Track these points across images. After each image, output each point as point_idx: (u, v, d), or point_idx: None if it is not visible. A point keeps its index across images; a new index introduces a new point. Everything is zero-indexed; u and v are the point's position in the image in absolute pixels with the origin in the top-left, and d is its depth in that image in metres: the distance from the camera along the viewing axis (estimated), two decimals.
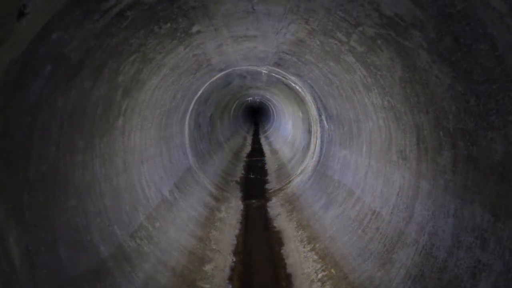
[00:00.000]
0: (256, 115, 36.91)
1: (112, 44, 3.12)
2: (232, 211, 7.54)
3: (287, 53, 5.90)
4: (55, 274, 2.60)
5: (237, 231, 6.50)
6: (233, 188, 9.51)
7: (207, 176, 8.99)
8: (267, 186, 10.17)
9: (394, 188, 3.96)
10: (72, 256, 2.87)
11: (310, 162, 8.92)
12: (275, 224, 6.86)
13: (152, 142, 5.81)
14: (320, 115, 7.97)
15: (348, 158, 5.94)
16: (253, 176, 11.71)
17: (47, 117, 2.60)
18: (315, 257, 4.90)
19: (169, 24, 3.71)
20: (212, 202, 7.50)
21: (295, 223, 6.48)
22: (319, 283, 4.25)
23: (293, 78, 7.92)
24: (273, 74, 8.94)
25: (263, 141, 21.24)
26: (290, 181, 9.29)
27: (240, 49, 6.05)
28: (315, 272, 4.53)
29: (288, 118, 16.26)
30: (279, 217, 7.19)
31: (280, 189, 9.12)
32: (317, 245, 5.16)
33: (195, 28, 4.22)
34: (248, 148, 18.23)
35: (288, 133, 15.66)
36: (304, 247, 5.38)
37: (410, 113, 3.42)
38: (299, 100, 10.70)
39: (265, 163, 13.86)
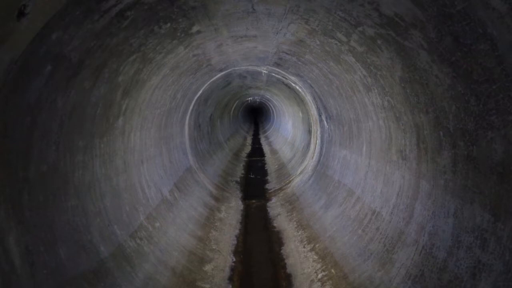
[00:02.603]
0: (256, 115, 36.93)
1: (112, 44, 3.12)
2: (232, 211, 7.54)
3: (287, 53, 5.90)
4: (55, 274, 2.60)
5: (237, 231, 6.49)
6: (233, 188, 9.51)
7: (207, 176, 8.99)
8: (267, 186, 10.17)
9: (394, 188, 3.96)
10: (72, 256, 2.87)
11: (310, 162, 8.92)
12: (275, 224, 6.86)
13: (152, 142, 5.81)
14: (320, 115, 7.97)
15: (348, 158, 5.94)
16: (253, 176, 11.71)
17: (47, 117, 2.60)
18: (315, 257, 4.90)
19: (169, 24, 3.71)
20: (212, 202, 7.50)
21: (295, 223, 6.48)
22: (319, 283, 4.24)
23: (293, 78, 7.92)
24: (273, 74, 8.94)
25: (263, 141, 21.24)
26: (290, 181, 9.29)
27: (240, 49, 6.05)
28: (315, 272, 4.53)
29: (288, 118, 16.26)
30: (279, 217, 7.18)
31: (280, 189, 9.12)
32: (317, 245, 5.15)
33: (195, 28, 4.22)
34: (248, 148, 18.24)
35: (288, 133, 15.66)
36: (304, 247, 5.38)
37: (410, 113, 3.42)
38: (299, 100, 10.70)
39: (265, 163, 13.85)
